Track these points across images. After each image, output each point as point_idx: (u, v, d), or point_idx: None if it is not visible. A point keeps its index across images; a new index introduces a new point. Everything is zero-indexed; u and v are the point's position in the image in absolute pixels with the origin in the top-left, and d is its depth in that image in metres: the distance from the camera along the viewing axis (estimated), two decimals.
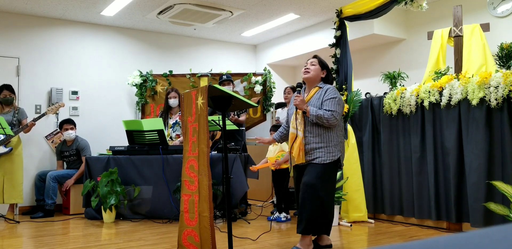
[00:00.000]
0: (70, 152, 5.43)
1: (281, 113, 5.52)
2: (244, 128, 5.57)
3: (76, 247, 3.44)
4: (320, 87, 3.22)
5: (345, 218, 4.36)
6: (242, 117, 5.30)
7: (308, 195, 3.03)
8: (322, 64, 3.29)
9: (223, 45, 7.20)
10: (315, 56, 3.36)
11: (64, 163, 5.52)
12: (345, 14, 4.59)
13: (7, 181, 4.87)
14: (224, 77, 5.52)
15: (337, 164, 3.15)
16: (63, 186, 5.21)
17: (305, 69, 3.27)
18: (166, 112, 5.36)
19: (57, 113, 5.67)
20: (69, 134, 5.37)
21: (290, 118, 3.28)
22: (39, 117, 5.04)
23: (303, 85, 3.34)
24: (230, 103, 2.91)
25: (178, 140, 5.18)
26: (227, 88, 5.30)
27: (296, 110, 3.17)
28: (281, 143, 3.56)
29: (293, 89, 4.95)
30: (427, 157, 4.07)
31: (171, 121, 5.31)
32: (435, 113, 4.04)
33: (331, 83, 3.34)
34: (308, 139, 3.11)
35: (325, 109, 3.07)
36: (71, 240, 3.72)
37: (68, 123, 5.41)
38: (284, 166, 4.53)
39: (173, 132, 5.28)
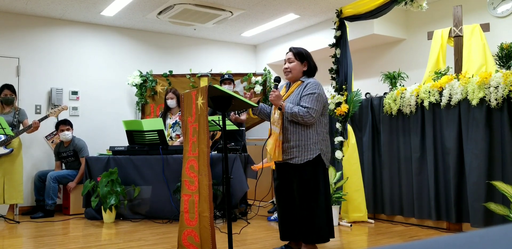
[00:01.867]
0: (67, 153, 5.41)
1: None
2: (244, 128, 5.57)
3: (76, 247, 3.44)
4: (302, 81, 3.06)
5: (345, 218, 4.37)
6: (243, 116, 5.30)
7: (305, 206, 2.94)
8: (300, 57, 3.07)
9: (223, 45, 7.20)
10: (290, 50, 3.13)
11: (62, 163, 5.52)
12: (345, 14, 4.59)
13: (7, 181, 4.87)
14: (226, 76, 5.53)
15: (318, 161, 2.94)
16: (67, 189, 5.20)
17: (284, 69, 3.10)
18: (165, 113, 5.37)
19: None
20: (65, 135, 5.33)
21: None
22: (42, 120, 5.02)
23: (281, 79, 3.17)
24: (230, 103, 2.91)
25: (178, 140, 5.18)
26: (227, 88, 5.35)
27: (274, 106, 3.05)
28: (256, 113, 3.41)
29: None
30: (427, 157, 4.07)
31: (171, 122, 5.31)
32: (435, 113, 4.03)
33: (315, 72, 3.13)
34: (285, 137, 2.99)
35: (301, 106, 2.90)
36: (71, 240, 3.72)
37: (64, 124, 5.36)
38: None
39: (173, 132, 5.29)
